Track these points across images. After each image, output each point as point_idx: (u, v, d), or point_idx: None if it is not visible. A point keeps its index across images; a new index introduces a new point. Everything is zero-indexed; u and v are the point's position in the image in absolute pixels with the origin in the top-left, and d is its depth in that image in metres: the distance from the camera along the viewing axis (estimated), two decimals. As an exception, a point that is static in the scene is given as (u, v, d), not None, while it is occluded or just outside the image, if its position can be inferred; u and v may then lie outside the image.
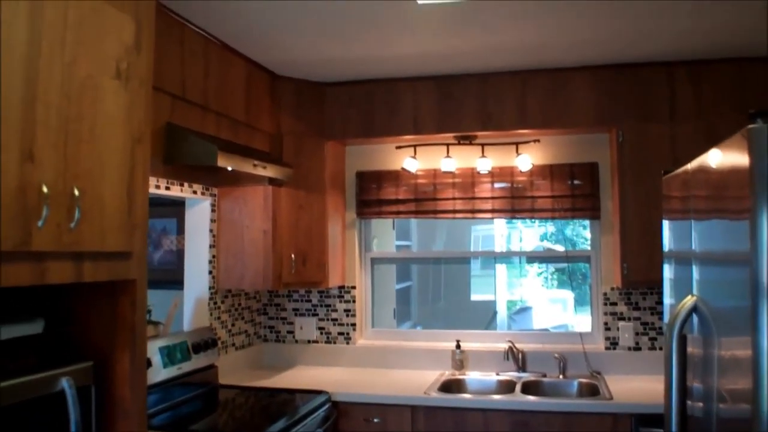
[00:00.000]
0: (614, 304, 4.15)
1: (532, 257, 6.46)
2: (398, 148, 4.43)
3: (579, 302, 4.82)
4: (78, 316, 2.13)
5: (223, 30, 3.28)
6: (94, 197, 1.85)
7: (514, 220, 6.22)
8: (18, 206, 1.60)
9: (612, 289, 4.16)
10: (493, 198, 4.30)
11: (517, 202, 4.28)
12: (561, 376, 4.04)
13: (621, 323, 4.13)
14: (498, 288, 8.39)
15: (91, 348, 2.11)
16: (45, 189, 1.67)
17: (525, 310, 8.39)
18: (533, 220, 5.31)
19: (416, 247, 7.12)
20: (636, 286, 3.97)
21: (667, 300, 2.62)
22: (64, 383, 1.88)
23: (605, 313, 4.16)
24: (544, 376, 4.07)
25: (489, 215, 4.34)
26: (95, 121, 1.89)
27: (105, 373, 2.10)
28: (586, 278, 4.54)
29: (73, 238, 1.76)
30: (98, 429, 2.09)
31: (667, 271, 2.60)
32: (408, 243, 7.09)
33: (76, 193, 1.78)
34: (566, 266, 4.64)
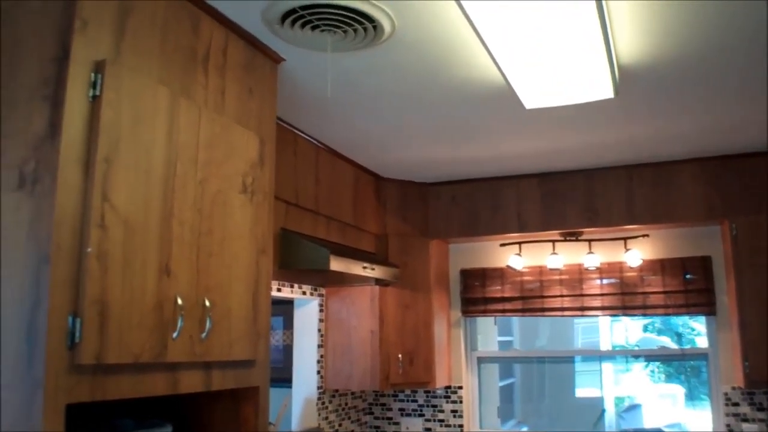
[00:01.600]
0: (736, 404, 3.94)
1: (644, 355, 6.23)
2: (503, 245, 4.44)
3: (690, 397, 4.58)
4: (203, 422, 2.19)
5: (332, 138, 3.43)
6: (223, 308, 1.94)
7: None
8: (156, 319, 1.69)
9: (733, 388, 3.96)
10: (602, 294, 4.22)
11: (627, 299, 4.18)
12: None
13: (745, 425, 3.91)
14: (604, 384, 8.07)
15: (216, 453, 2.16)
16: (180, 301, 1.77)
17: (634, 407, 8.02)
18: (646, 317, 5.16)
19: (519, 342, 6.98)
20: (759, 385, 3.76)
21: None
22: (191, 489, 1.93)
23: (727, 414, 3.95)
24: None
25: (599, 312, 4.26)
26: (224, 234, 2.00)
27: (228, 479, 2.14)
28: (698, 372, 4.34)
29: (203, 348, 1.85)
30: None
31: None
32: (510, 338, 6.97)
33: (207, 304, 1.87)
34: (675, 360, 4.46)
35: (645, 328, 5.30)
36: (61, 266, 1.47)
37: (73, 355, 1.47)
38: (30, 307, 1.45)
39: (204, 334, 1.85)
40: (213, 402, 2.18)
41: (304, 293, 3.91)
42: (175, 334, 1.74)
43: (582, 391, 8.22)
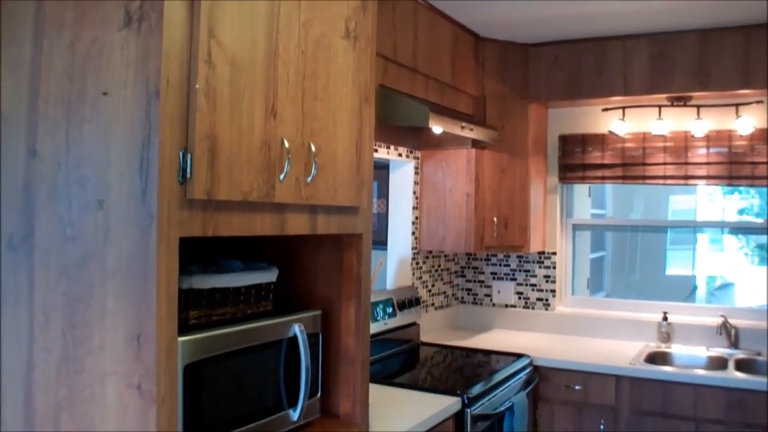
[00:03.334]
0: None
1: (739, 228, 6.01)
2: (605, 110, 4.27)
3: None
4: (306, 268, 2.25)
5: (433, -8, 3.30)
6: (327, 153, 1.94)
7: (714, 192, 5.84)
8: (263, 159, 1.70)
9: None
10: (708, 163, 4.03)
11: (734, 168, 3.98)
12: (778, 356, 3.77)
13: None
14: (696, 262, 7.91)
15: (319, 298, 2.22)
16: (286, 144, 1.76)
17: (726, 286, 7.88)
18: (749, 188, 4.94)
19: (612, 215, 6.86)
20: None
21: None
22: (296, 329, 1.99)
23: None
24: (759, 354, 3.81)
25: (703, 182, 4.08)
26: (328, 78, 1.97)
27: (331, 323, 2.20)
28: None
29: (309, 192, 1.86)
30: (324, 374, 2.21)
31: None
32: (603, 212, 6.85)
33: (313, 148, 1.87)
34: None
35: (741, 212, 5.09)
36: (171, 101, 1.47)
37: (185, 190, 1.50)
38: (141, 142, 1.47)
39: (310, 178, 1.85)
40: (316, 249, 2.22)
41: (399, 155, 3.89)
42: (281, 176, 1.75)
43: (673, 270, 8.10)
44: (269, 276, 2.04)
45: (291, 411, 2.01)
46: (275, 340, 1.95)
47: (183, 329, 1.66)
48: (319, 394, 2.14)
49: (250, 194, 1.65)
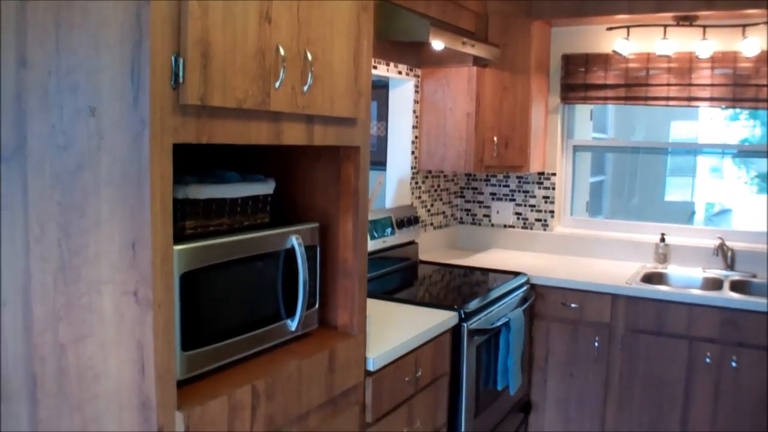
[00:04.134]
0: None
1: (740, 155, 5.97)
2: (609, 29, 4.18)
3: None
4: (304, 180, 2.23)
5: None
6: (324, 62, 1.90)
7: (715, 118, 5.77)
8: (258, 66, 1.66)
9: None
10: (712, 85, 3.97)
11: (739, 91, 3.92)
12: (773, 278, 3.80)
13: None
14: (696, 188, 7.90)
15: (316, 212, 2.22)
16: (282, 51, 1.72)
17: (724, 212, 7.90)
18: (753, 112, 4.87)
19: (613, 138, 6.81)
20: None
21: None
22: (294, 240, 2.00)
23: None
24: (754, 276, 3.84)
25: (707, 103, 4.02)
26: (324, -16, 1.91)
27: (328, 236, 2.21)
28: None
29: (305, 101, 1.83)
30: (322, 286, 2.22)
31: None
32: (604, 136, 6.80)
33: (309, 56, 1.82)
34: None
35: (743, 141, 5.05)
36: (161, 5, 1.42)
37: (178, 95, 1.47)
38: (132, 47, 1.43)
39: (306, 87, 1.82)
40: (314, 162, 2.20)
41: (399, 73, 3.83)
42: (277, 84, 1.71)
43: (672, 196, 8.10)
44: (266, 188, 2.03)
45: (289, 321, 2.03)
46: (273, 252, 1.95)
47: (180, 239, 1.67)
48: (317, 306, 2.16)
49: (244, 101, 1.62)
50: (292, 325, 2.03)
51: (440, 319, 2.74)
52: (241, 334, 1.85)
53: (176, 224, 1.74)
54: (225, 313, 1.79)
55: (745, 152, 4.50)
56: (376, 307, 2.88)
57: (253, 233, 1.88)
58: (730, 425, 3.39)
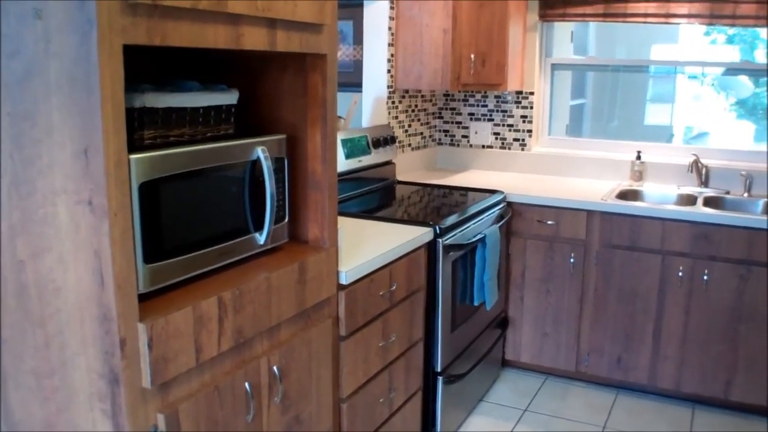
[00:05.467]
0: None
1: (725, 68, 5.93)
2: (589, -59, 4.06)
3: (758, 137, 4.42)
4: (271, 94, 2.17)
5: None
6: (285, -37, 1.81)
7: (696, 41, 5.69)
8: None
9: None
10: (690, 2, 3.89)
11: (716, 7, 3.84)
12: (746, 194, 3.80)
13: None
14: (675, 111, 7.88)
15: (285, 124, 2.16)
16: (239, -49, 1.64)
17: (702, 135, 7.92)
18: (734, 27, 4.79)
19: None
20: None
21: None
22: (259, 152, 1.95)
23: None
24: (728, 193, 3.85)
25: (684, 20, 3.95)
26: None
27: (298, 149, 2.16)
28: None
29: (266, 3, 1.75)
30: (292, 200, 2.19)
31: None
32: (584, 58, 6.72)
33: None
34: (750, 97, 4.20)
35: (726, 72, 5.01)
36: None
37: (126, -10, 1.40)
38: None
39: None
40: (281, 73, 2.14)
41: (373, -13, 3.72)
42: (235, -15, 1.63)
43: (652, 119, 8.08)
44: (229, 98, 1.96)
45: (258, 235, 2.00)
46: (238, 163, 1.91)
47: (138, 149, 1.62)
48: (287, 219, 2.13)
49: (199, 2, 1.54)
50: (261, 238, 2.00)
51: (415, 234, 2.72)
52: (207, 247, 1.82)
53: (134, 134, 1.70)
54: (189, 225, 1.76)
55: (731, 70, 4.43)
56: (352, 225, 2.86)
57: (216, 143, 1.83)
58: (701, 336, 3.44)
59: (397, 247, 2.55)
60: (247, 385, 1.85)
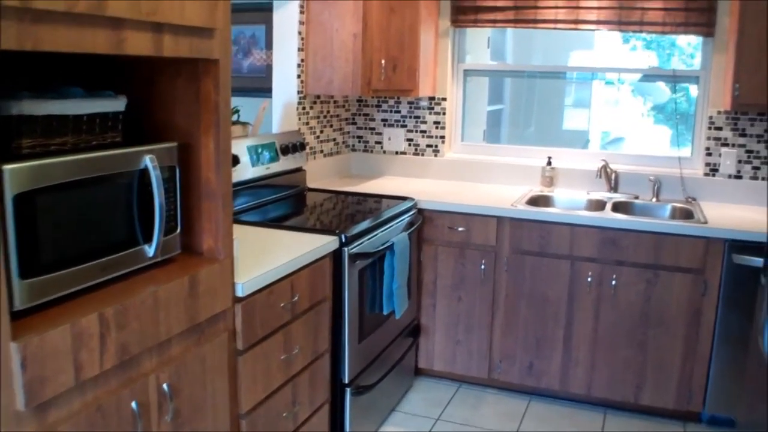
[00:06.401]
0: (719, 128, 3.88)
1: (638, 73, 6.11)
2: (499, -51, 4.10)
3: (675, 142, 4.57)
4: (164, 101, 2.09)
5: None
6: (171, -35, 1.74)
7: (613, 48, 5.85)
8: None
9: (719, 112, 3.87)
10: (599, 8, 3.97)
11: (624, 14, 3.94)
12: (654, 199, 3.90)
13: (724, 149, 3.88)
14: (591, 117, 8.09)
15: (178, 132, 2.08)
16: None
17: (618, 140, 8.14)
18: (641, 34, 4.93)
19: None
20: (746, 109, 3.66)
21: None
22: (147, 161, 1.87)
23: (708, 138, 3.91)
24: (636, 198, 3.94)
25: (593, 26, 4.03)
26: None
27: (191, 157, 2.08)
28: (686, 118, 4.25)
29: (150, 6, 1.67)
30: (184, 210, 2.11)
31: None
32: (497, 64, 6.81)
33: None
34: (667, 103, 4.32)
35: (643, 78, 5.17)
36: None
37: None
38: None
39: (148, -8, 1.67)
40: (174, 79, 2.06)
41: (283, -9, 3.66)
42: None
43: (569, 124, 8.26)
44: (116, 105, 1.88)
45: (147, 247, 1.91)
46: (125, 173, 1.82)
47: (16, 158, 1.53)
48: (179, 230, 2.04)
49: (75, 5, 1.46)
50: (150, 251, 1.92)
51: (320, 243, 2.67)
52: (91, 261, 1.73)
53: (11, 142, 1.61)
54: (70, 238, 1.66)
55: (648, 76, 4.52)
56: (255, 235, 2.79)
57: (99, 152, 1.74)
58: (611, 341, 3.50)
59: (299, 257, 2.50)
60: (134, 403, 1.77)
